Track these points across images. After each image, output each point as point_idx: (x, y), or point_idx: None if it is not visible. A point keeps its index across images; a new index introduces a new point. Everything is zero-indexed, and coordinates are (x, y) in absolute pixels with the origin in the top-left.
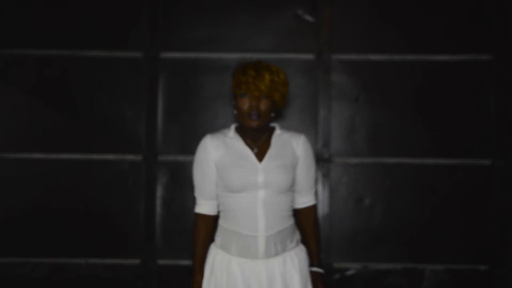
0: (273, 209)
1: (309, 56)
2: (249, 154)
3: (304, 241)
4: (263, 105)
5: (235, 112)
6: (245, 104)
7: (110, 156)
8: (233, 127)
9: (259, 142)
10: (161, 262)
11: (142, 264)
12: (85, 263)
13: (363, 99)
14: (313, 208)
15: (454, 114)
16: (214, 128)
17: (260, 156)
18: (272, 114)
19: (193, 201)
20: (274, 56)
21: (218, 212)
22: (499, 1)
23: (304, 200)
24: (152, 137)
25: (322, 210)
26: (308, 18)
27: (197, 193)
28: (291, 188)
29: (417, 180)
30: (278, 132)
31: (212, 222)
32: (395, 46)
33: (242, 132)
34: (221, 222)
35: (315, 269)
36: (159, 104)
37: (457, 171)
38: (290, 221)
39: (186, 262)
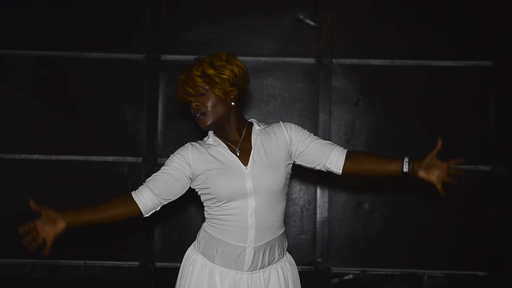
0: (264, 218)
1: (310, 60)
2: (233, 159)
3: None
4: (203, 102)
5: None
6: (191, 110)
7: (110, 158)
8: (211, 133)
9: (240, 143)
10: (159, 264)
11: (141, 266)
12: (84, 264)
13: (364, 104)
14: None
15: (455, 120)
16: None
17: (244, 159)
18: (230, 105)
19: (192, 204)
20: (275, 60)
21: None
22: (501, 7)
23: (337, 156)
24: (152, 139)
25: (321, 214)
26: (310, 22)
27: (150, 179)
28: (284, 189)
29: (417, 185)
30: (256, 128)
31: (131, 211)
32: (396, 51)
33: (220, 137)
34: (206, 227)
35: (406, 167)
36: (159, 106)
37: (457, 177)
38: (281, 230)
39: None
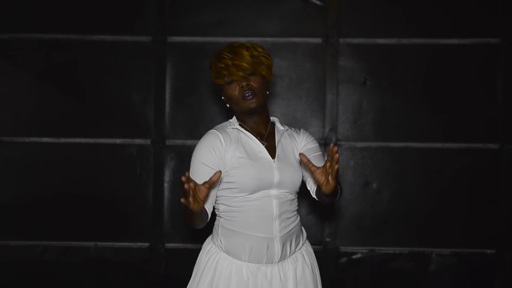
0: (285, 208)
1: (316, 40)
2: (262, 150)
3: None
4: (254, 82)
5: (228, 105)
6: (235, 88)
7: (118, 141)
8: (234, 118)
9: (265, 136)
10: (169, 245)
11: (150, 247)
12: (94, 246)
13: (371, 83)
14: None
15: (462, 98)
16: (222, 112)
17: (270, 152)
18: (267, 92)
19: None
20: (282, 40)
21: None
22: None
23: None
24: (160, 121)
25: None
26: (316, 2)
27: None
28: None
29: (424, 164)
30: (280, 128)
31: (206, 215)
32: (403, 30)
33: (246, 125)
34: (224, 223)
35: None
36: (167, 88)
37: (465, 155)
38: (298, 219)
39: (193, 246)
